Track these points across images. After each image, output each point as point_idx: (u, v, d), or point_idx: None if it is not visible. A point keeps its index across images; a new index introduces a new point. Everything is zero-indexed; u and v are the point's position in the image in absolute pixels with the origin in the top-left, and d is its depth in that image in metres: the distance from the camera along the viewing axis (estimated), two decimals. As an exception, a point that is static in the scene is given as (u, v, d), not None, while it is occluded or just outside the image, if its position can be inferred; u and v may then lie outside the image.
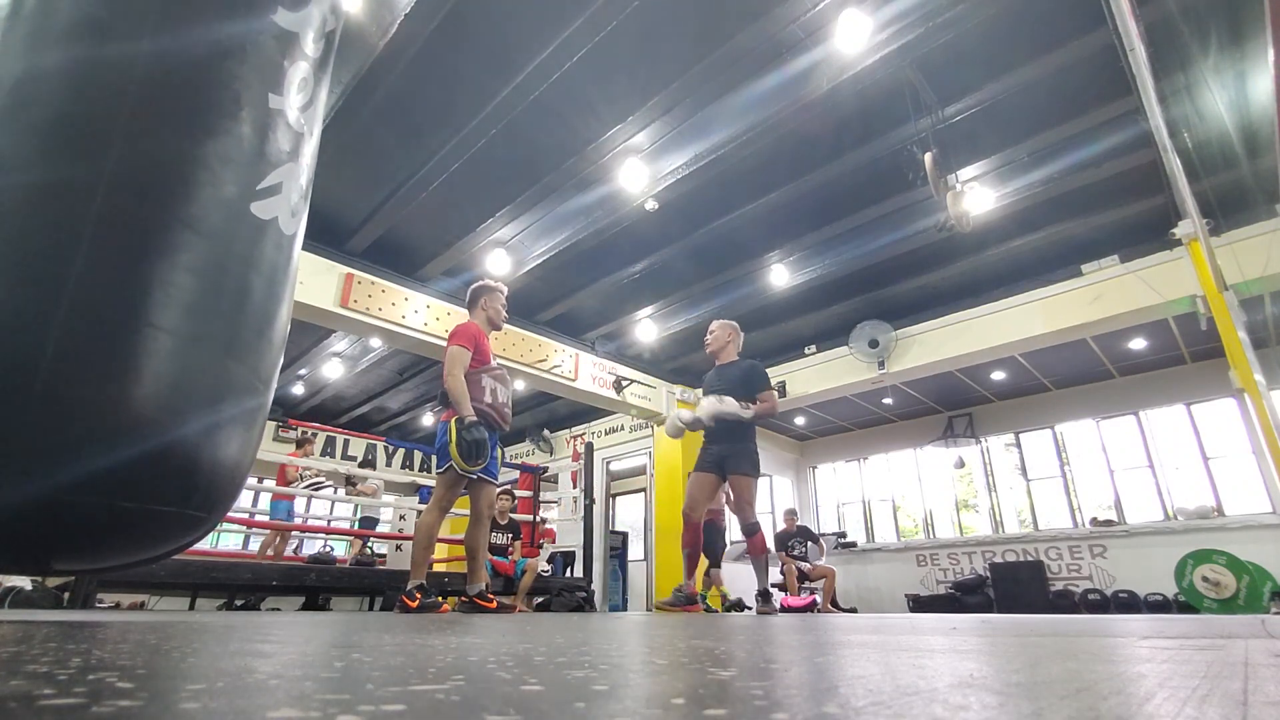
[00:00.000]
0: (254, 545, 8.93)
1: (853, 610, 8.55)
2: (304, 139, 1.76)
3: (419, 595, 3.25)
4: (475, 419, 3.29)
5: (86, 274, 1.25)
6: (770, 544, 6.11)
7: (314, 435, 8.92)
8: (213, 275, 1.44)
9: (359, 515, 7.71)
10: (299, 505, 8.99)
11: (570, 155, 5.10)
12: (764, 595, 3.96)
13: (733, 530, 8.03)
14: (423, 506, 7.83)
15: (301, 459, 6.45)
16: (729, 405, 3.85)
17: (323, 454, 10.72)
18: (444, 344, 6.69)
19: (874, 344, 7.41)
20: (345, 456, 10.55)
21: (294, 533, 8.64)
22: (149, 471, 1.32)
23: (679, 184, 5.34)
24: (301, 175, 1.76)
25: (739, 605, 8.89)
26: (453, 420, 3.28)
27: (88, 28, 1.38)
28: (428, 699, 0.46)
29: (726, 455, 3.92)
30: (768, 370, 4.13)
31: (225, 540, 8.48)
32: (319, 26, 1.84)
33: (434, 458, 3.56)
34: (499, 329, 3.82)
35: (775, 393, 4.10)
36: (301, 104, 1.74)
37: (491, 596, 3.51)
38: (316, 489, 6.47)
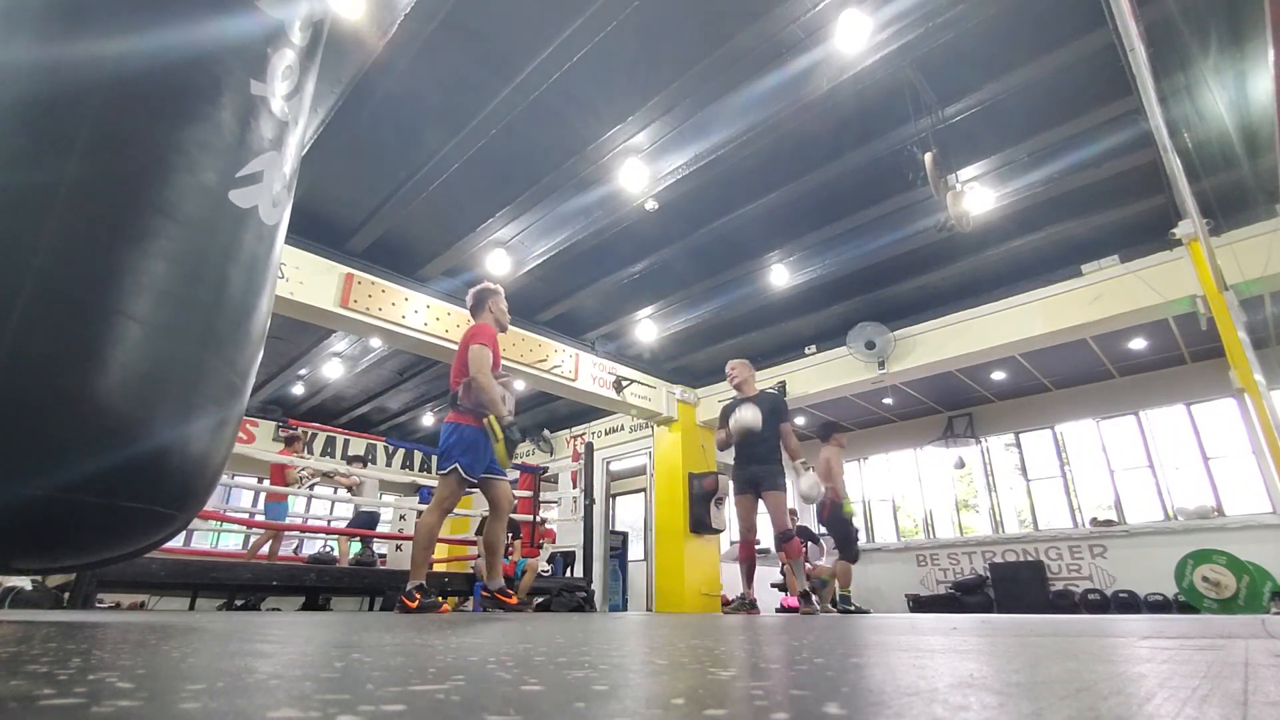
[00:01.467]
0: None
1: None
2: (289, 128, 1.71)
3: (419, 595, 3.26)
4: (513, 420, 3.42)
5: (51, 259, 1.19)
6: (770, 545, 6.14)
7: (305, 433, 8.87)
8: (188, 263, 1.39)
9: (354, 513, 7.62)
10: (299, 505, 8.99)
11: (570, 155, 5.10)
12: (805, 596, 4.59)
13: (732, 532, 8.02)
14: (423, 506, 7.84)
15: (294, 458, 6.39)
16: (808, 484, 4.54)
17: (323, 454, 10.71)
18: (442, 343, 6.73)
19: (871, 345, 7.40)
20: (345, 456, 10.54)
21: (293, 533, 8.62)
22: (115, 466, 1.26)
23: (679, 184, 5.33)
24: (285, 164, 1.71)
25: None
26: (492, 421, 3.36)
27: (63, 8, 1.35)
28: (428, 699, 0.46)
29: (760, 475, 4.47)
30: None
31: (225, 540, 8.49)
32: (306, 15, 1.80)
33: (435, 459, 3.58)
34: (504, 330, 3.87)
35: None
36: (286, 92, 1.70)
37: (511, 592, 3.55)
38: (312, 488, 6.46)
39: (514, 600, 3.51)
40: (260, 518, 7.26)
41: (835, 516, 5.69)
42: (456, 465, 3.35)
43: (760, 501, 4.56)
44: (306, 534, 8.45)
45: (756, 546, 4.84)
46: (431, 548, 3.51)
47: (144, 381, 1.31)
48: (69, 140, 1.27)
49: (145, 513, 1.38)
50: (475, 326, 3.59)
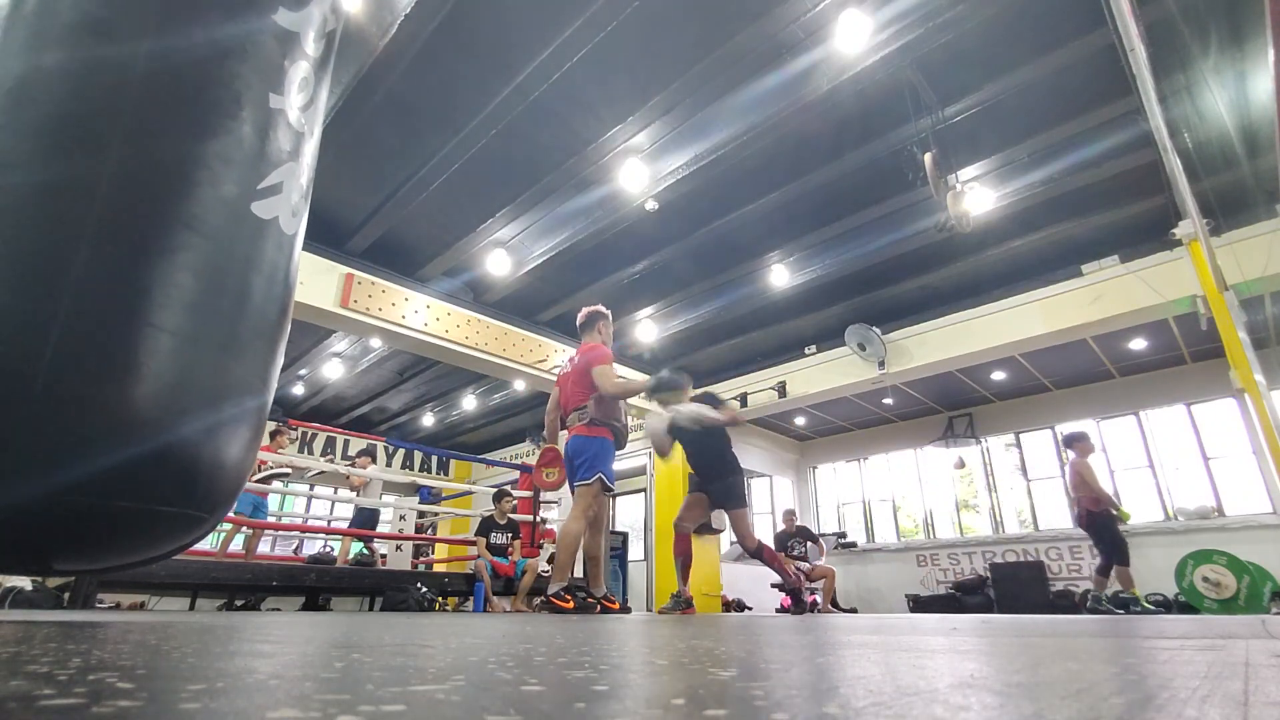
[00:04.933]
0: (261, 546, 8.88)
1: (853, 610, 8.55)
2: (304, 138, 1.76)
3: (569, 597, 3.48)
4: (652, 385, 3.87)
5: (87, 274, 1.24)
6: (770, 544, 6.11)
7: (295, 430, 8.83)
8: (213, 275, 1.44)
9: (354, 512, 7.53)
10: (299, 505, 8.98)
11: (570, 155, 5.10)
12: (794, 594, 4.48)
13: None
14: (424, 506, 7.83)
15: (273, 453, 6.33)
16: (705, 412, 3.91)
17: (323, 454, 10.71)
18: (442, 343, 6.72)
19: (862, 347, 7.42)
20: (345, 456, 10.55)
21: (293, 533, 8.59)
22: (149, 472, 1.32)
23: (679, 184, 5.34)
24: (302, 175, 1.76)
25: (739, 605, 8.90)
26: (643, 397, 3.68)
27: (88, 27, 1.38)
28: (428, 699, 0.46)
29: (716, 492, 4.20)
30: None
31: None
32: (319, 26, 1.83)
33: (572, 471, 3.78)
34: (609, 349, 4.12)
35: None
36: (302, 104, 1.74)
37: (613, 598, 3.68)
38: (269, 480, 6.38)
39: (616, 605, 3.65)
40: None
41: (1097, 524, 5.47)
42: (601, 475, 3.59)
43: (721, 511, 4.26)
44: (306, 534, 8.44)
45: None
46: (576, 552, 3.70)
47: (176, 390, 1.37)
48: (101, 157, 1.31)
49: (180, 516, 1.44)
50: (593, 348, 3.83)
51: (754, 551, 4.16)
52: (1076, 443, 5.76)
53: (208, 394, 1.43)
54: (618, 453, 3.86)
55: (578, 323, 4.07)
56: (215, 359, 1.45)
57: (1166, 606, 6.98)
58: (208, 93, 1.49)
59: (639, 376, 3.78)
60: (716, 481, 4.19)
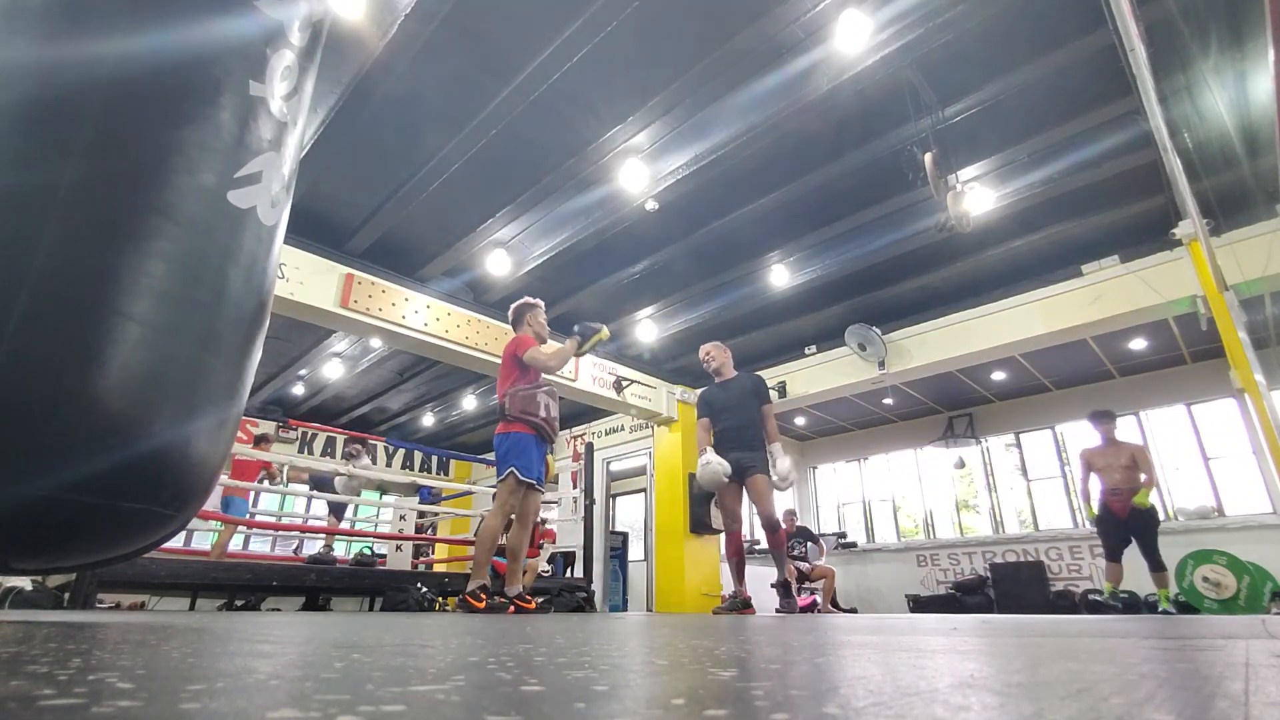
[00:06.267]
0: (255, 545, 8.93)
1: (853, 610, 8.55)
2: (287, 128, 1.72)
3: (484, 596, 3.43)
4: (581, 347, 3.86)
5: (51, 260, 1.19)
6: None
7: (287, 427, 8.93)
8: (186, 264, 1.39)
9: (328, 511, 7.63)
10: (299, 505, 8.98)
11: (570, 155, 5.10)
12: (784, 587, 4.28)
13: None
14: (424, 506, 7.83)
15: (267, 455, 6.39)
16: (785, 466, 4.17)
17: (323, 454, 10.71)
18: (443, 343, 6.72)
19: (862, 347, 7.43)
20: (345, 457, 10.55)
21: (292, 533, 8.59)
22: (114, 467, 1.26)
23: (679, 184, 5.33)
24: (284, 165, 1.71)
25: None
26: (578, 356, 3.79)
27: (62, 9, 1.35)
28: (428, 699, 0.46)
29: (744, 461, 4.19)
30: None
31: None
32: (305, 15, 1.80)
33: (495, 467, 3.78)
34: (544, 342, 4.06)
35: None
36: (285, 93, 1.70)
37: (530, 598, 3.65)
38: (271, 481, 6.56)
39: (533, 605, 3.57)
40: (262, 518, 7.24)
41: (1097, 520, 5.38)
42: (513, 469, 3.54)
43: (744, 490, 4.27)
44: (306, 534, 8.44)
45: (757, 547, 4.69)
46: (494, 550, 3.70)
47: (143, 382, 1.31)
48: (69, 141, 1.27)
49: (144, 513, 1.38)
50: (515, 339, 3.83)
51: (773, 525, 4.17)
52: (1100, 422, 5.58)
53: (178, 387, 1.37)
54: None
55: (509, 321, 4.09)
56: (187, 351, 1.39)
57: (1134, 607, 6.63)
58: (184, 78, 1.44)
59: (560, 344, 3.78)
60: (751, 451, 4.21)
